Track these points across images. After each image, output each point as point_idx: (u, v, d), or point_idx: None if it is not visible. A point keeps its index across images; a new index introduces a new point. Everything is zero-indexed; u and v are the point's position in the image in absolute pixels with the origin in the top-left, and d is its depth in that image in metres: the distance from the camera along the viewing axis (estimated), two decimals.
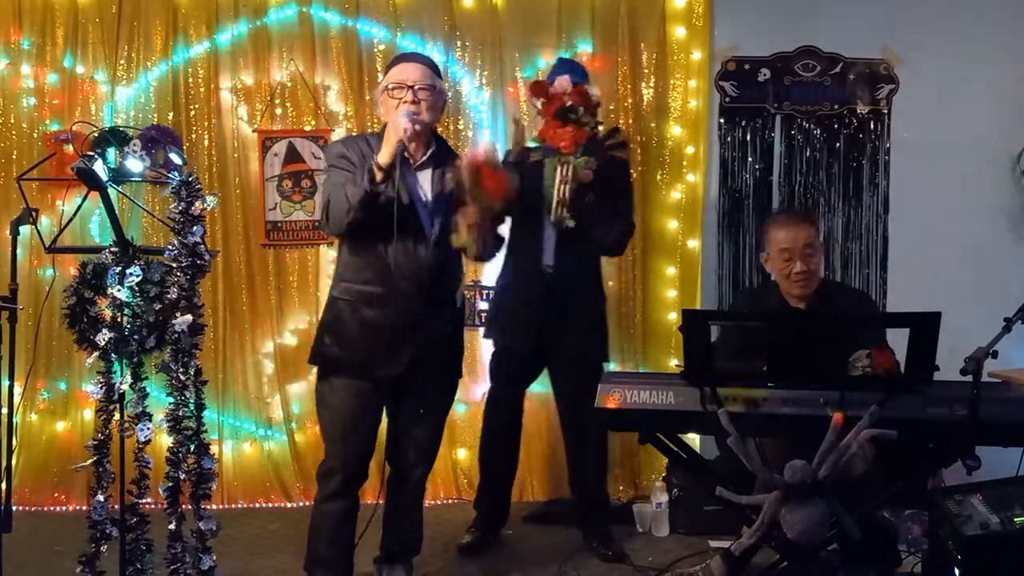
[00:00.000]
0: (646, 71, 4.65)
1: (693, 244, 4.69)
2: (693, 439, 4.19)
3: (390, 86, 3.18)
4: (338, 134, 4.54)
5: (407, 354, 3.17)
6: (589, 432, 3.91)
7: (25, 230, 3.03)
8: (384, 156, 3.00)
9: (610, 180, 3.75)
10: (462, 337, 3.43)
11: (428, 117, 3.15)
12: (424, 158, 3.21)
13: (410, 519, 3.45)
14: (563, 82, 3.71)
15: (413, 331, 3.16)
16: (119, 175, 3.12)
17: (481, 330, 4.24)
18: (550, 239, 3.78)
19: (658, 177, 4.68)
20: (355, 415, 3.22)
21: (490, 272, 4.35)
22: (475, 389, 4.58)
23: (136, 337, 2.96)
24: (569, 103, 3.66)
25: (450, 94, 4.62)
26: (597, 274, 3.98)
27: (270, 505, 4.63)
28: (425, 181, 3.21)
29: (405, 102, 3.11)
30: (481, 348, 4.50)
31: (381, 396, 3.27)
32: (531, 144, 3.88)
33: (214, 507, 4.18)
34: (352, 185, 3.05)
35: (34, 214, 3.01)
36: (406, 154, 3.13)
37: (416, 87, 3.13)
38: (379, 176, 3.00)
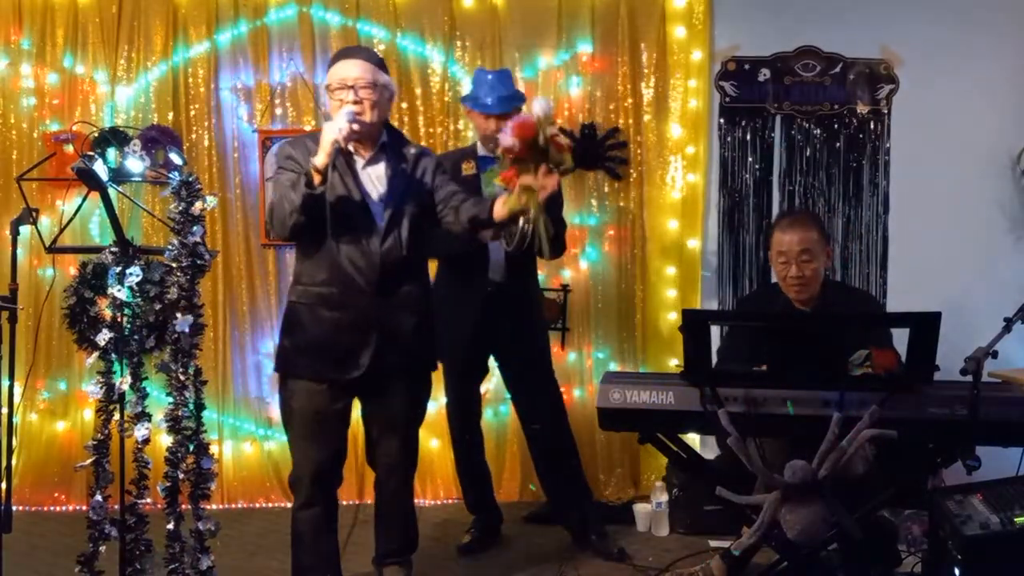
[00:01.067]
0: (646, 71, 4.66)
1: (693, 244, 4.70)
2: (693, 439, 4.20)
3: (332, 85, 3.09)
4: None
5: (366, 356, 3.11)
6: (552, 432, 3.97)
7: (25, 230, 3.03)
8: (320, 159, 2.91)
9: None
10: (432, 329, 3.31)
11: (372, 116, 3.07)
12: (373, 153, 3.15)
13: (400, 519, 3.40)
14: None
15: (371, 331, 3.10)
16: (119, 175, 3.12)
17: None
18: (498, 255, 3.80)
19: (658, 177, 4.68)
20: (316, 419, 3.15)
21: None
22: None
23: (136, 337, 2.96)
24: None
25: (450, 94, 4.64)
26: (536, 281, 4.08)
27: (270, 505, 4.63)
28: (376, 176, 3.14)
29: (347, 102, 3.03)
30: None
31: (346, 398, 3.20)
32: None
33: (214, 507, 4.19)
34: (293, 189, 2.98)
35: (34, 214, 3.01)
36: (352, 152, 3.08)
37: (358, 86, 3.04)
38: (316, 179, 2.92)
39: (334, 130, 2.91)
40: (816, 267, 3.49)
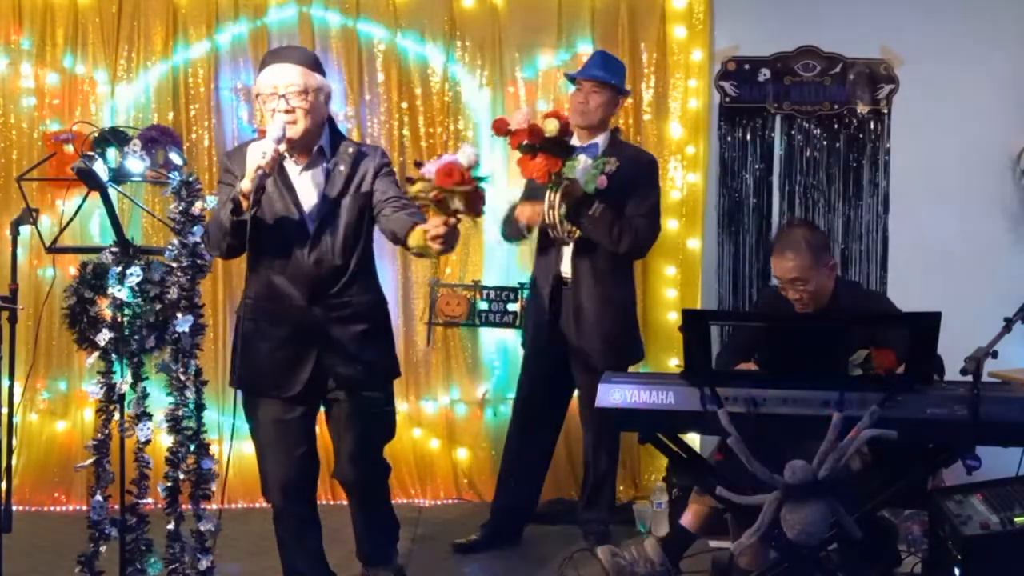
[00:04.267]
0: (646, 71, 4.65)
1: (693, 244, 4.69)
2: (693, 439, 4.19)
3: (262, 93, 2.92)
4: None
5: (304, 372, 3.02)
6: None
7: (25, 230, 3.04)
8: (244, 184, 2.78)
9: (634, 184, 3.83)
10: (386, 336, 3.23)
11: (306, 123, 2.91)
12: (310, 159, 3.02)
13: (374, 524, 3.36)
14: (519, 116, 3.64)
15: (310, 346, 3.01)
16: (119, 175, 3.12)
17: (482, 329, 4.37)
18: (565, 249, 3.87)
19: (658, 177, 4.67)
20: (277, 427, 3.09)
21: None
22: (477, 388, 4.61)
23: (136, 337, 2.96)
24: (525, 142, 3.56)
25: (450, 94, 4.63)
26: (613, 276, 3.93)
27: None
28: (314, 182, 3.01)
29: (278, 111, 2.88)
30: (482, 346, 4.61)
31: (305, 409, 3.12)
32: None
33: (214, 507, 4.18)
34: (223, 211, 2.86)
35: (34, 214, 3.02)
36: (285, 161, 2.96)
37: (289, 94, 2.88)
38: (244, 205, 2.79)
39: (258, 156, 2.75)
40: (811, 288, 3.42)
